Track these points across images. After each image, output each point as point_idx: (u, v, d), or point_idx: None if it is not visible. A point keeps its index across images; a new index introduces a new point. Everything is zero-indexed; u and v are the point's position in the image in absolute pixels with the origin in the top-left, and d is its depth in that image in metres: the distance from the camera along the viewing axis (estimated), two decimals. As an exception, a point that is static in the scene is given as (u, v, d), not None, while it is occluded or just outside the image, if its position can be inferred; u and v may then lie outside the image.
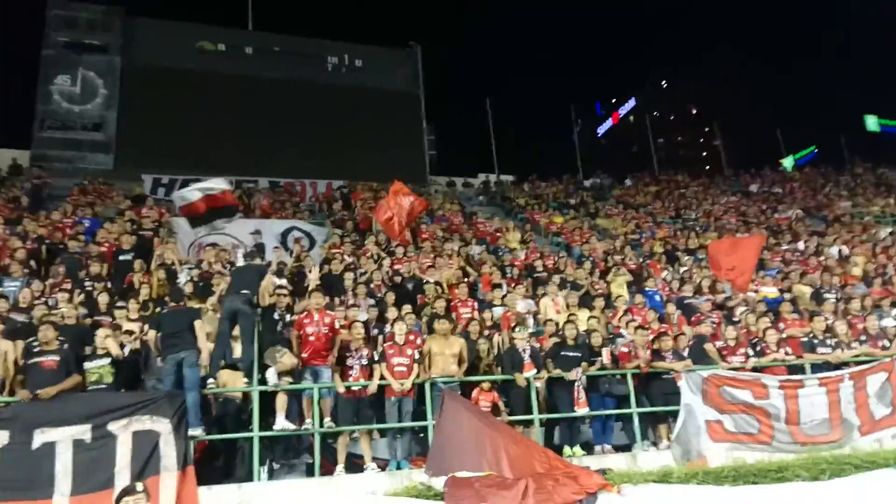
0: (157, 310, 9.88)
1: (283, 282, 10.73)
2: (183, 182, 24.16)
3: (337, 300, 11.20)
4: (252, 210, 20.04)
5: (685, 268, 16.29)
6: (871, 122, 43.08)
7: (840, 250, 18.55)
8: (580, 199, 25.77)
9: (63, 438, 6.81)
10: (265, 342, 8.95)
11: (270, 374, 8.46)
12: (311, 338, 8.89)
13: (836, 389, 9.35)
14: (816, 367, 10.04)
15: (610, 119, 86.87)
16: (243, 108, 30.21)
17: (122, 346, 8.64)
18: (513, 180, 30.90)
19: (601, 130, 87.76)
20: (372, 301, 11.58)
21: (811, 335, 10.82)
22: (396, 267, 13.55)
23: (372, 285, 12.28)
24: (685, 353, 10.04)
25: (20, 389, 7.51)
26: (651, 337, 10.44)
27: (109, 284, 11.55)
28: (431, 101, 35.24)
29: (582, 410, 9.25)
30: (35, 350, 7.66)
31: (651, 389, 9.75)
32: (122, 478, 6.73)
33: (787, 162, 43.93)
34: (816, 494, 5.42)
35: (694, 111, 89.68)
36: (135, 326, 9.43)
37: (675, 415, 8.95)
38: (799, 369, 10.03)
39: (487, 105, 37.90)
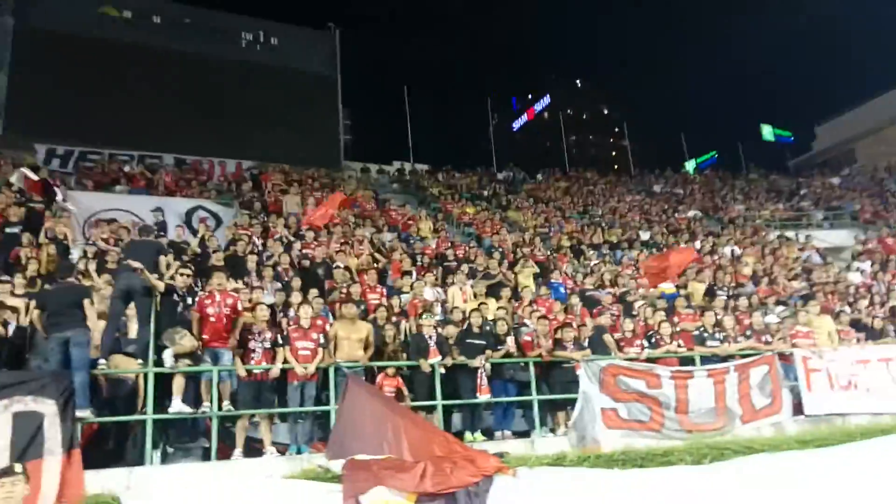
0: (46, 286, 9.32)
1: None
2: (80, 154, 22.98)
3: (241, 282, 10.90)
4: (155, 187, 19.24)
5: (590, 262, 16.84)
6: (767, 132, 45.78)
7: (733, 251, 19.65)
8: (492, 192, 26.10)
9: (-67, 420, 6.32)
10: (163, 323, 8.61)
11: (167, 356, 8.14)
12: (212, 319, 8.62)
13: (722, 381, 9.95)
14: (705, 360, 10.59)
15: (525, 114, 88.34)
16: (149, 79, 28.78)
17: (5, 323, 8.12)
18: (427, 169, 30.95)
19: (516, 125, 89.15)
20: (279, 284, 11.36)
21: (702, 329, 11.40)
22: (306, 251, 13.34)
23: (279, 268, 12.04)
24: (585, 344, 10.38)
25: None
26: (554, 327, 10.72)
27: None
28: (348, 85, 34.84)
29: (484, 397, 9.42)
30: None
31: (551, 377, 10.03)
32: (1, 461, 6.32)
33: (690, 165, 46.11)
34: (698, 477, 5.74)
35: (605, 112, 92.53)
36: (20, 303, 8.86)
37: (573, 402, 9.26)
38: (689, 361, 10.56)
39: (405, 93, 37.81)
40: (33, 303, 8.39)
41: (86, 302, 7.69)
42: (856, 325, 13.00)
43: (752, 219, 25.80)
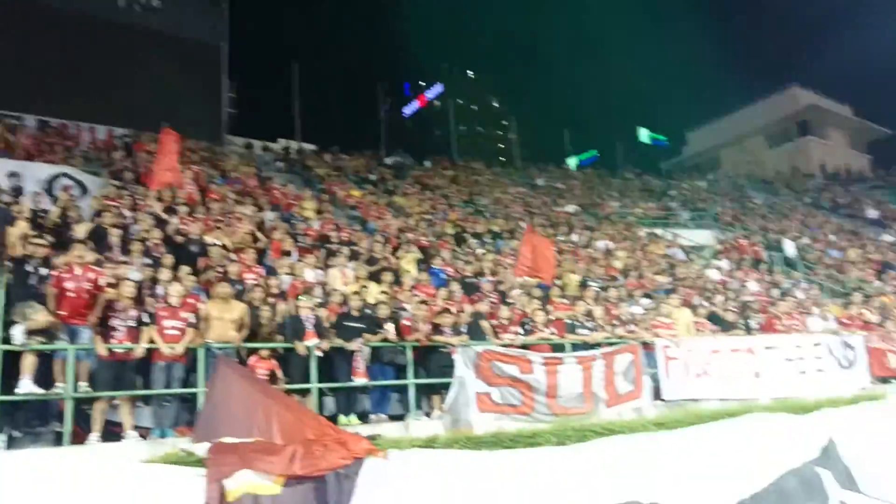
0: None
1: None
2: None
3: (105, 256, 10.23)
4: (13, 149, 17.67)
5: (472, 250, 17.12)
6: (644, 134, 48.14)
7: (606, 245, 20.61)
8: (380, 176, 25.96)
9: None
10: (14, 297, 7.97)
11: (17, 332, 7.53)
12: (71, 294, 8.07)
13: (589, 367, 10.42)
14: (576, 347, 11.05)
15: (417, 101, 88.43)
16: (13, 35, 26.33)
17: None
18: (314, 150, 30.32)
19: (407, 111, 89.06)
20: (148, 260, 10.76)
21: (574, 318, 11.88)
22: (181, 227, 12.69)
23: (149, 243, 11.40)
24: (463, 329, 10.55)
25: None
26: (433, 312, 10.82)
27: None
28: (235, 57, 33.32)
29: (360, 380, 9.37)
30: None
31: (429, 362, 10.12)
32: None
33: (572, 161, 47.83)
34: (561, 457, 5.98)
35: (494, 104, 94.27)
36: None
37: (449, 386, 9.41)
38: (561, 348, 10.98)
39: (294, 70, 36.79)
40: None
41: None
42: (711, 318, 13.98)
43: (625, 216, 27.15)
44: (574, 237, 21.22)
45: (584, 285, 14.72)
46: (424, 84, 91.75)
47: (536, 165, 36.59)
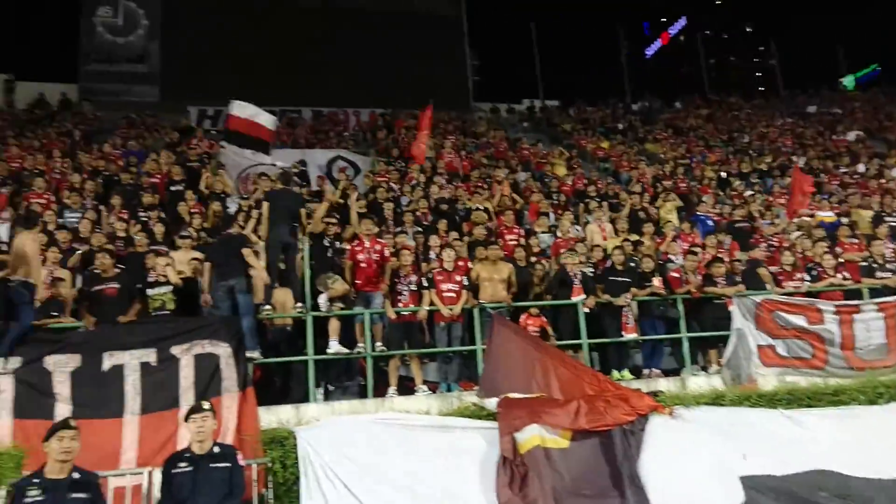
0: (209, 239, 10.06)
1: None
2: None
3: (384, 228, 11.25)
4: (297, 140, 20.10)
5: (738, 192, 15.88)
6: (942, 36, 40.34)
7: (902, 173, 17.83)
8: (628, 124, 25.11)
9: (130, 361, 7.10)
10: (316, 269, 9.09)
11: (322, 300, 8.63)
12: (363, 265, 9.00)
13: (894, 314, 9.15)
14: (875, 292, 9.76)
15: (659, 40, 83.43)
16: (284, 34, 29.78)
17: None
18: (558, 105, 30.21)
19: (650, 52, 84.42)
20: (418, 228, 11.62)
21: (870, 259, 10.48)
22: (443, 194, 13.49)
23: (418, 213, 12.30)
24: (738, 279, 9.86)
25: (86, 316, 7.91)
26: (703, 262, 10.27)
27: (163, 214, 11.78)
28: (474, 24, 34.15)
29: (630, 335, 9.25)
30: (96, 278, 7.98)
31: (702, 314, 9.62)
32: (187, 398, 7.02)
33: (848, 81, 41.92)
34: (873, 415, 5.38)
35: (748, 29, 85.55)
36: (189, 255, 9.64)
37: (725, 340, 8.92)
38: (856, 294, 9.77)
39: (532, 28, 36.80)
40: (202, 255, 9.14)
41: (245, 250, 8.24)
42: None
43: (924, 136, 23.21)
44: (860, 167, 18.65)
45: (878, 221, 12.90)
46: (665, 20, 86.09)
47: (805, 91, 32.66)
